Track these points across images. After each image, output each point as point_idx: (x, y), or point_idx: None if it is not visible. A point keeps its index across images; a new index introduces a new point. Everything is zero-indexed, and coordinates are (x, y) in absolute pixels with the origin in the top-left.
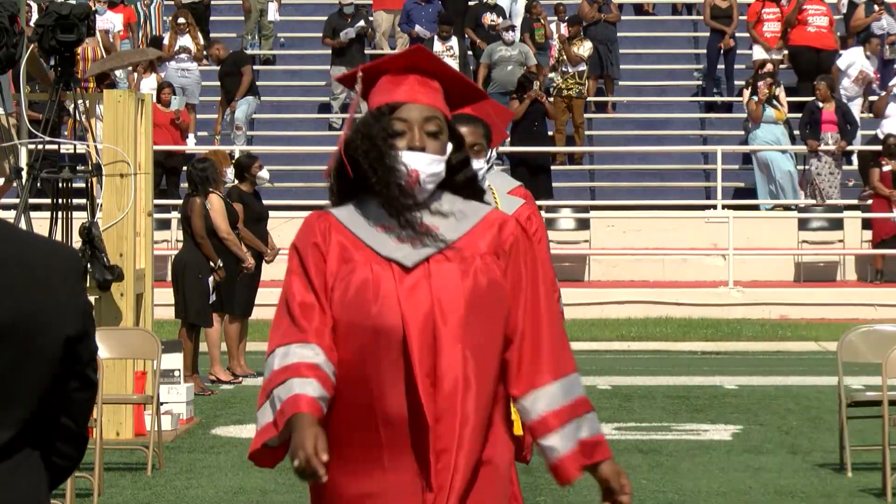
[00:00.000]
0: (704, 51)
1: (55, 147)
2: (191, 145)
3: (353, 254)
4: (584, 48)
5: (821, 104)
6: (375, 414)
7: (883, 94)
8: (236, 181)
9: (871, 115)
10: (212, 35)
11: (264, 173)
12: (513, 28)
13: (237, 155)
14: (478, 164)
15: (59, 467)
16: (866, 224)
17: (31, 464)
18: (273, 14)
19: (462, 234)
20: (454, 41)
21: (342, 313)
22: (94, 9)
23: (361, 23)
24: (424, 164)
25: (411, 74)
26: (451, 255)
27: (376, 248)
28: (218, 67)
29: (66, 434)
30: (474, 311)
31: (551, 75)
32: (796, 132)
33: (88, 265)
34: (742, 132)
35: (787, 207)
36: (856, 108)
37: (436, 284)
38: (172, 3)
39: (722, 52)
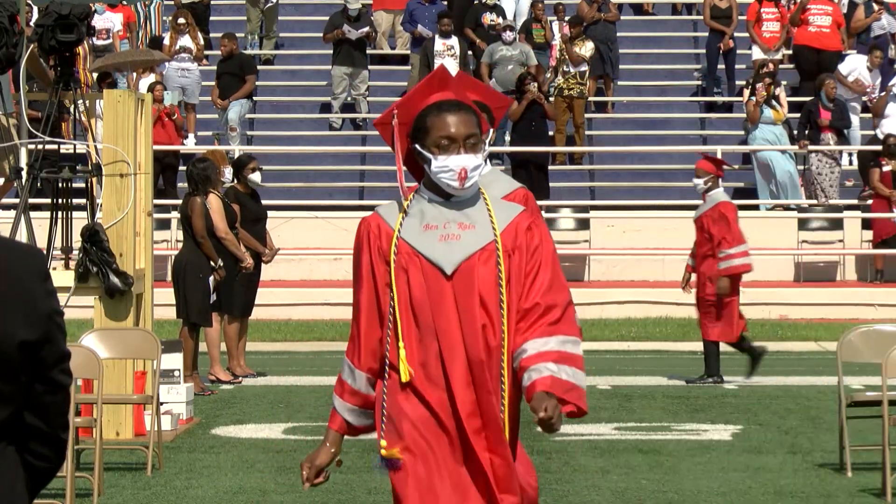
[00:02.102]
0: (704, 51)
1: (55, 147)
2: (190, 145)
3: None
4: (586, 48)
5: (827, 103)
6: None
7: (882, 94)
8: (234, 181)
9: (868, 115)
10: (212, 35)
11: (256, 176)
12: (511, 28)
13: (236, 155)
14: (476, 161)
15: (36, 468)
16: (866, 224)
17: (5, 458)
18: None
19: None
20: (455, 41)
21: None
22: (93, 9)
23: (367, 28)
24: None
25: None
26: None
27: None
28: (220, 61)
29: (36, 434)
30: None
31: (549, 76)
32: (796, 132)
33: (92, 268)
34: (742, 132)
35: (787, 207)
36: (852, 113)
37: None
38: (172, 3)
39: (722, 52)
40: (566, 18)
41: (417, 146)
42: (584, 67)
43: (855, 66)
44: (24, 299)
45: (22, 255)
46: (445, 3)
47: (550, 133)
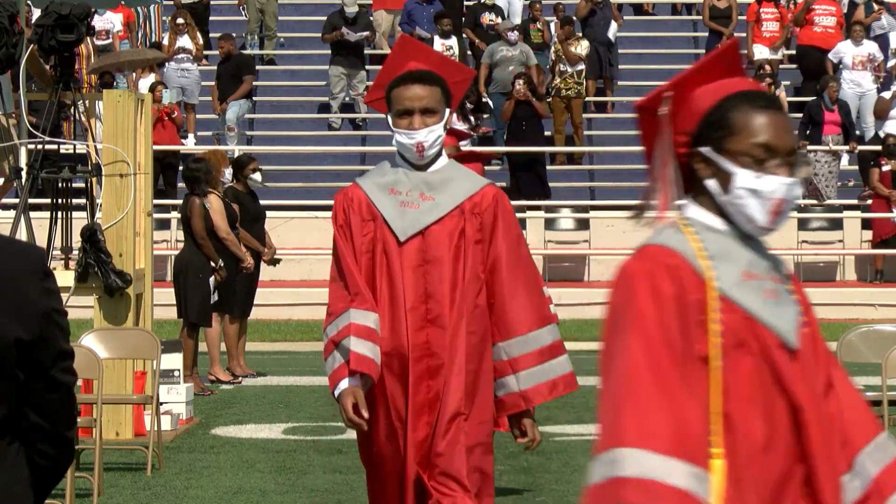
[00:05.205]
0: (704, 51)
1: (55, 147)
2: (190, 145)
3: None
4: (582, 47)
5: (829, 105)
6: None
7: (886, 95)
8: (234, 181)
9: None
10: (211, 35)
11: (257, 175)
12: (516, 28)
13: (237, 155)
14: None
15: (42, 467)
16: (866, 224)
17: (6, 456)
18: None
19: None
20: (454, 41)
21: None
22: (93, 9)
23: (366, 32)
24: None
25: None
26: None
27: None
28: (219, 63)
29: (39, 433)
30: None
31: (549, 76)
32: (797, 132)
33: (91, 269)
34: None
35: None
36: (868, 105)
37: None
38: (172, 3)
39: None
40: (556, 19)
41: None
42: (581, 67)
43: (843, 50)
44: (18, 297)
45: (17, 254)
46: (441, 3)
47: (548, 133)
